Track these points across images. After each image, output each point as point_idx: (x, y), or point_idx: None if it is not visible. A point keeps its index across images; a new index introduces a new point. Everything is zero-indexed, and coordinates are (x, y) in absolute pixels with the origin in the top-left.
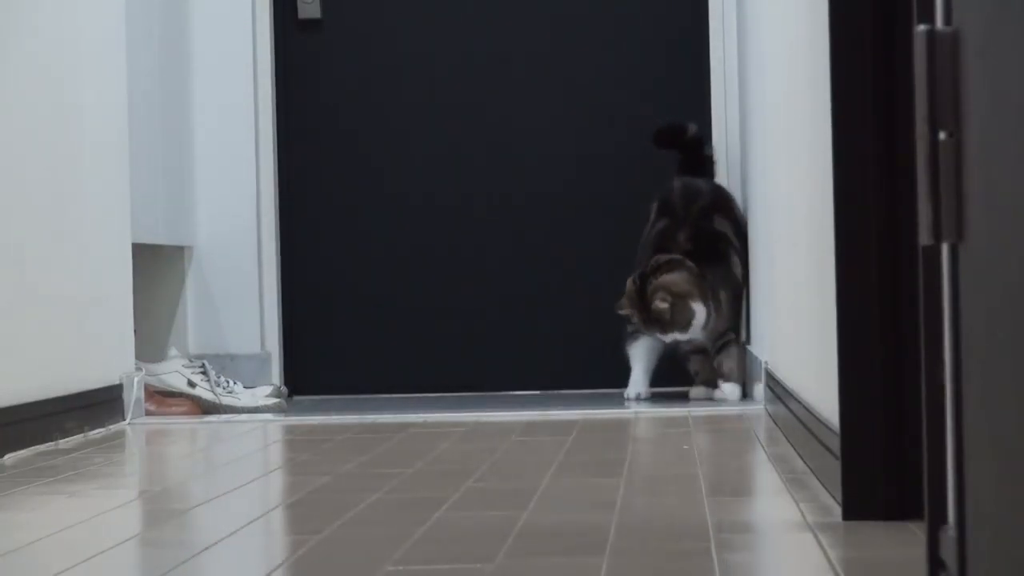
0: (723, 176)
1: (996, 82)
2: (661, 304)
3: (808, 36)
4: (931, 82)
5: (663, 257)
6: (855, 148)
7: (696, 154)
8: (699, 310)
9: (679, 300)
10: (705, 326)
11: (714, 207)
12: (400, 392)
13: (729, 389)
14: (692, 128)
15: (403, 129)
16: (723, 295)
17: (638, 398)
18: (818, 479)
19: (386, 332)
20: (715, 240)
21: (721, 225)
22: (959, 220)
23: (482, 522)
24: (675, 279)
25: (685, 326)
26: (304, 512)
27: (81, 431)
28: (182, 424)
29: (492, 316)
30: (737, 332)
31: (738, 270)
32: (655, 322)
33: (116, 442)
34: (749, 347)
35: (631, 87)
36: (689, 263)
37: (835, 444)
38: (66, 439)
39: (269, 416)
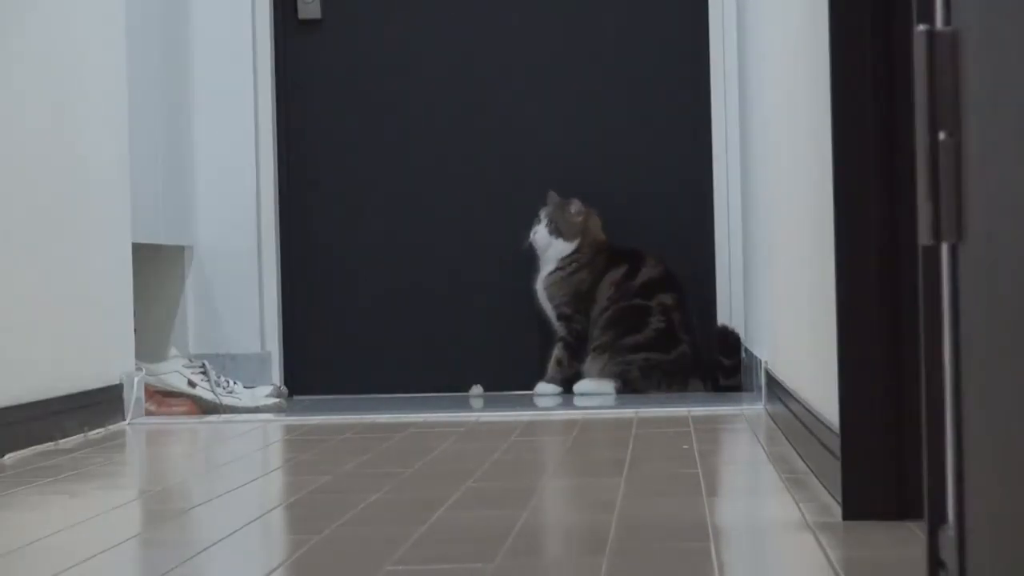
0: (721, 181)
1: (996, 82)
2: (574, 212)
3: (808, 35)
4: (931, 82)
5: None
6: (855, 148)
7: (721, 364)
8: (568, 248)
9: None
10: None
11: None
12: (400, 392)
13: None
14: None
15: (403, 129)
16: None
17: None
18: (818, 479)
19: (386, 332)
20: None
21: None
22: (959, 220)
23: (482, 522)
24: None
25: (569, 238)
26: (304, 512)
27: (81, 431)
28: (182, 424)
29: (492, 316)
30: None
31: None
32: (558, 214)
33: (116, 442)
34: (747, 346)
35: (631, 90)
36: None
37: (835, 444)
38: (66, 439)
39: (269, 416)
